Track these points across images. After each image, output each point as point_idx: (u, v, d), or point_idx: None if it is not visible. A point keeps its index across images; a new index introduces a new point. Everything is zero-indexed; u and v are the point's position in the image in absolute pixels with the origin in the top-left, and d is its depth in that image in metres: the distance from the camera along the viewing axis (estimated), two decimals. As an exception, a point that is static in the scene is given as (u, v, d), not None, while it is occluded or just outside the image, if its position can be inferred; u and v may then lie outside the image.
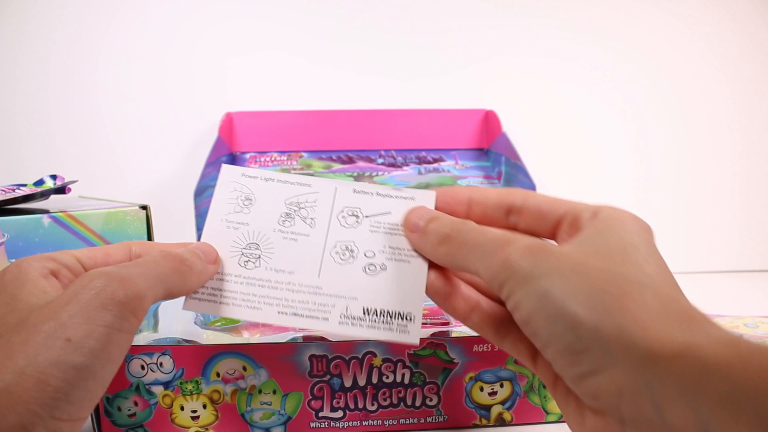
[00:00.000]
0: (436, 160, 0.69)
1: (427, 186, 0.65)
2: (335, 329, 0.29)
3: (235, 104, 0.70)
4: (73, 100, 0.69)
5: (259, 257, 0.30)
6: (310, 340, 0.33)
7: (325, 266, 0.30)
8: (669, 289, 0.23)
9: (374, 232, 0.31)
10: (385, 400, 0.34)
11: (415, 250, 0.30)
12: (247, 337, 0.34)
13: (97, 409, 0.33)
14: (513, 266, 0.24)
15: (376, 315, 0.29)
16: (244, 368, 0.33)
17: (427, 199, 0.32)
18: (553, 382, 0.26)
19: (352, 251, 0.31)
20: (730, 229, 0.74)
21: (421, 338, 0.33)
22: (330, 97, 0.71)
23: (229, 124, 0.68)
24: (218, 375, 0.33)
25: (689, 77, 0.72)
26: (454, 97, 0.72)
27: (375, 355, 0.33)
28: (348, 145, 0.70)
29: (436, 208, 0.31)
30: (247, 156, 0.69)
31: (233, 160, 0.69)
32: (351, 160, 0.69)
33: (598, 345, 0.21)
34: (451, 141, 0.71)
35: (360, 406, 0.34)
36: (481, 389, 0.34)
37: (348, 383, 0.33)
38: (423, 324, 0.34)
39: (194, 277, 0.28)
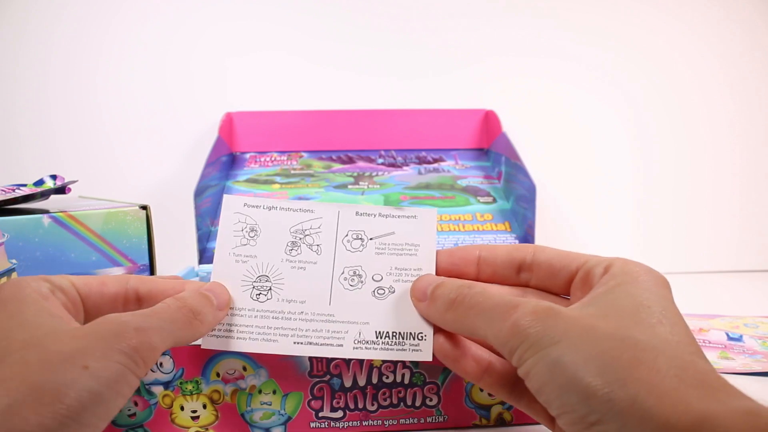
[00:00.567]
0: (436, 160, 0.69)
1: (427, 186, 0.65)
2: (350, 355, 0.30)
3: (235, 104, 0.70)
4: (73, 100, 0.69)
5: (270, 289, 0.31)
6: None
7: (335, 293, 0.31)
8: (684, 351, 0.22)
9: (380, 254, 0.32)
10: (385, 400, 0.34)
11: (424, 318, 0.30)
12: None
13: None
14: (522, 333, 0.23)
15: (389, 337, 0.30)
16: (244, 368, 0.33)
17: (429, 217, 0.32)
18: None
19: (360, 276, 0.31)
20: (730, 229, 0.74)
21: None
22: (330, 97, 0.71)
23: (229, 124, 0.68)
24: (218, 375, 0.33)
25: (689, 77, 0.72)
26: (454, 97, 0.72)
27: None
28: (348, 145, 0.70)
29: (444, 270, 0.31)
30: (247, 156, 0.69)
31: (233, 160, 0.69)
32: (351, 160, 0.69)
33: (611, 417, 0.20)
34: (451, 141, 0.71)
35: (360, 406, 0.34)
36: (481, 389, 0.34)
37: (348, 383, 0.33)
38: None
39: (204, 329, 0.29)
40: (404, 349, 0.29)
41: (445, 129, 0.71)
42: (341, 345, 0.30)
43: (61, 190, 0.41)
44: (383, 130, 0.70)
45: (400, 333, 0.30)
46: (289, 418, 0.33)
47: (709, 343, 0.47)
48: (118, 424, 0.33)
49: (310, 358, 0.33)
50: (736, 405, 0.20)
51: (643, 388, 0.20)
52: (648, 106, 0.73)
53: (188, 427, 0.33)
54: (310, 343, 0.30)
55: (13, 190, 0.40)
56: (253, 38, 0.70)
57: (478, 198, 0.63)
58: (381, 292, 0.31)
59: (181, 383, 0.33)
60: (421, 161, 0.69)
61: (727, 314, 0.55)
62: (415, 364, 0.34)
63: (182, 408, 0.33)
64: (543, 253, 0.29)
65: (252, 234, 0.32)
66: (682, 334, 0.23)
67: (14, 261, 0.35)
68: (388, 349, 0.30)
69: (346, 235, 0.32)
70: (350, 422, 0.34)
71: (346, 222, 0.32)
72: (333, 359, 0.33)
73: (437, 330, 0.29)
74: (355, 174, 0.67)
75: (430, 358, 0.29)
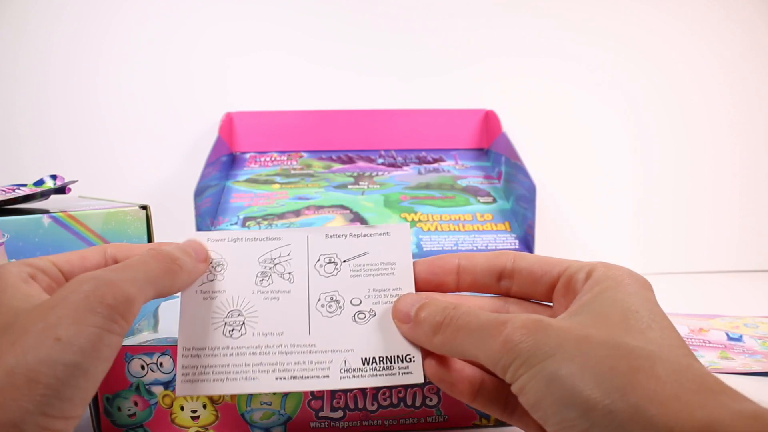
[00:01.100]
0: (436, 160, 0.69)
1: (427, 186, 0.65)
2: (337, 385, 0.28)
3: (235, 104, 0.70)
4: (73, 100, 0.69)
5: (243, 323, 0.29)
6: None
7: (314, 322, 0.29)
8: (678, 355, 0.22)
9: (356, 277, 0.30)
10: (385, 400, 0.34)
11: (409, 341, 0.29)
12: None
13: (97, 409, 0.33)
14: (514, 349, 0.23)
15: (376, 363, 0.28)
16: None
17: (402, 233, 0.31)
18: None
19: (338, 302, 0.30)
20: (730, 229, 0.74)
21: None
22: (330, 97, 0.71)
23: (229, 124, 0.68)
24: (218, 375, 0.33)
25: (689, 77, 0.72)
26: (454, 97, 0.72)
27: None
28: (348, 145, 0.70)
29: (423, 281, 0.30)
30: (247, 156, 0.69)
31: (233, 159, 0.69)
32: (351, 160, 0.69)
33: (613, 429, 0.20)
34: (451, 141, 0.71)
35: (360, 406, 0.34)
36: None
37: (348, 383, 0.33)
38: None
39: (185, 276, 0.28)
40: (394, 373, 0.28)
41: (445, 129, 0.71)
42: (327, 376, 0.28)
43: (61, 190, 0.41)
44: (383, 130, 0.70)
45: (387, 357, 0.28)
46: (289, 418, 0.33)
47: (709, 343, 0.47)
48: (118, 424, 0.33)
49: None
50: (740, 409, 0.19)
51: (644, 397, 0.20)
52: (648, 106, 0.73)
53: (188, 427, 0.33)
54: (294, 377, 0.28)
55: (13, 190, 0.40)
56: (253, 38, 0.70)
57: (478, 198, 0.63)
58: (361, 316, 0.29)
59: (181, 383, 0.33)
60: (421, 161, 0.69)
61: (727, 314, 0.55)
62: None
63: (182, 408, 0.33)
64: (523, 260, 0.29)
65: (218, 269, 0.30)
66: (673, 337, 0.23)
67: (14, 261, 0.35)
68: (377, 375, 0.28)
69: (318, 260, 0.31)
70: (350, 422, 0.34)
71: (317, 246, 0.31)
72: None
73: (426, 354, 0.28)
74: (355, 174, 0.67)
75: (421, 380, 0.28)
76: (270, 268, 0.30)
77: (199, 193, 0.55)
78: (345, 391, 0.33)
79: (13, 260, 0.27)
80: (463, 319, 0.26)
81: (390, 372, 0.28)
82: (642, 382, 0.20)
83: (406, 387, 0.33)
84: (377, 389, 0.33)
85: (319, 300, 0.30)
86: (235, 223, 0.58)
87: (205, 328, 0.29)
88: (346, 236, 0.31)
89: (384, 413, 0.34)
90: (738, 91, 0.73)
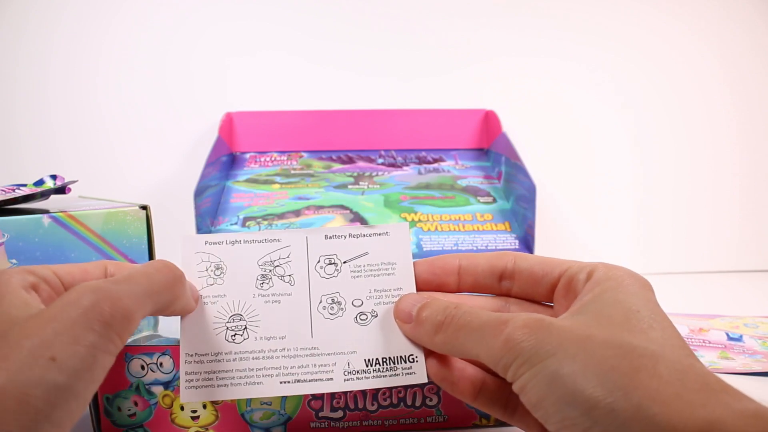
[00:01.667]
0: (436, 160, 0.69)
1: (427, 186, 0.65)
2: (341, 387, 0.28)
3: (235, 104, 0.70)
4: (73, 100, 0.69)
5: (246, 328, 0.29)
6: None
7: (316, 324, 0.29)
8: (680, 354, 0.22)
9: (356, 278, 0.30)
10: (385, 400, 0.34)
11: (411, 341, 0.29)
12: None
13: (97, 409, 0.33)
14: (516, 347, 0.23)
15: (379, 364, 0.29)
16: (244, 368, 0.33)
17: (401, 232, 0.31)
18: None
19: (339, 303, 0.30)
20: (730, 229, 0.74)
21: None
22: (330, 97, 0.71)
23: (229, 124, 0.68)
24: (218, 375, 0.33)
25: (689, 77, 0.72)
26: (454, 97, 0.72)
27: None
28: (348, 145, 0.70)
29: (424, 281, 0.30)
30: (247, 156, 0.69)
31: (233, 160, 0.69)
32: (351, 160, 0.69)
33: (615, 428, 0.20)
34: (451, 141, 0.71)
35: (360, 406, 0.34)
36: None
37: (348, 383, 0.33)
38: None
39: (184, 298, 0.28)
40: (397, 374, 0.28)
41: (445, 129, 0.71)
42: (331, 378, 0.28)
43: (61, 190, 0.41)
44: (383, 130, 0.70)
45: (390, 358, 0.29)
46: (289, 418, 0.33)
47: (709, 343, 0.47)
48: (118, 424, 0.33)
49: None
50: (742, 408, 0.19)
51: (647, 396, 0.20)
52: (648, 106, 0.73)
53: (188, 427, 0.33)
54: (298, 381, 0.28)
55: (13, 190, 0.40)
56: (253, 38, 0.70)
57: (478, 198, 0.63)
58: (363, 317, 0.30)
59: (181, 383, 0.33)
60: (421, 161, 0.69)
61: (727, 314, 0.55)
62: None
63: (182, 408, 0.33)
64: (524, 261, 0.29)
65: (218, 272, 0.30)
66: (674, 337, 0.23)
67: (14, 261, 0.35)
68: (380, 376, 0.28)
69: (318, 261, 0.31)
70: (350, 422, 0.34)
71: (316, 247, 0.31)
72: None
73: (428, 353, 0.28)
74: (355, 174, 0.67)
75: (425, 380, 0.28)
76: (270, 271, 0.30)
77: (199, 193, 0.55)
78: (347, 392, 0.33)
79: (14, 265, 0.26)
80: (464, 318, 0.26)
81: (393, 373, 0.28)
82: (644, 381, 0.20)
83: (408, 387, 0.33)
84: (378, 389, 0.33)
85: (320, 302, 0.30)
86: (235, 223, 0.58)
87: (207, 333, 0.29)
88: (345, 237, 0.31)
89: (384, 413, 0.34)
90: (738, 91, 0.73)
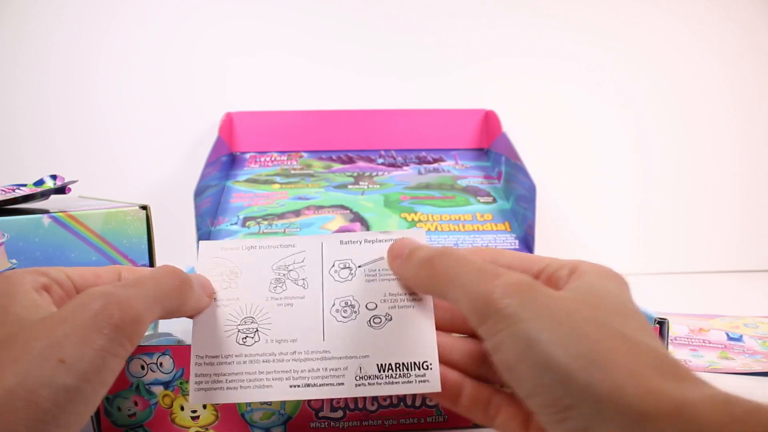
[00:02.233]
0: (436, 160, 0.69)
1: (427, 186, 0.65)
2: (352, 393, 0.28)
3: (235, 104, 0.70)
4: (73, 100, 0.69)
5: (257, 330, 0.29)
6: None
7: (328, 327, 0.29)
8: (657, 345, 0.22)
9: (371, 282, 0.30)
10: (385, 400, 0.34)
11: (397, 277, 0.29)
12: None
13: (97, 409, 0.33)
14: (498, 302, 0.22)
15: (392, 370, 0.28)
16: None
17: (418, 237, 0.31)
18: None
19: (353, 306, 0.29)
20: (730, 229, 0.74)
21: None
22: (330, 97, 0.71)
23: (229, 124, 0.68)
24: (218, 375, 0.33)
25: (689, 77, 0.72)
26: (454, 97, 0.72)
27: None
28: (348, 145, 0.70)
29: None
30: (247, 156, 0.69)
31: (233, 160, 0.69)
32: (351, 160, 0.69)
33: (588, 401, 0.20)
34: (451, 141, 0.71)
35: (360, 406, 0.34)
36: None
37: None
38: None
39: (193, 301, 0.28)
40: (410, 381, 0.28)
41: (445, 129, 0.71)
42: (342, 383, 0.28)
43: (61, 190, 0.41)
44: (383, 130, 0.70)
45: (403, 364, 0.28)
46: (289, 418, 0.33)
47: (709, 343, 0.47)
48: (118, 424, 0.33)
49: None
50: (712, 394, 0.20)
51: (621, 374, 0.20)
52: (648, 107, 0.73)
53: (188, 427, 0.33)
54: (308, 385, 0.28)
55: (13, 190, 0.40)
56: (253, 38, 0.70)
57: (478, 198, 0.63)
58: (377, 321, 0.29)
59: (181, 383, 0.33)
60: (421, 161, 0.69)
61: (727, 314, 0.55)
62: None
63: (182, 408, 0.33)
64: (502, 257, 0.28)
65: (232, 277, 0.30)
66: (650, 330, 0.24)
67: (14, 261, 0.35)
68: (393, 383, 0.28)
69: (333, 266, 0.30)
70: (350, 422, 0.34)
71: (331, 252, 0.31)
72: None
73: None
74: (355, 174, 0.67)
75: (438, 389, 0.27)
76: (284, 275, 0.30)
77: (199, 193, 0.55)
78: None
79: (15, 266, 0.26)
80: (454, 259, 0.26)
81: (407, 380, 0.28)
82: (622, 360, 0.20)
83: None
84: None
85: (333, 305, 0.30)
86: (235, 223, 0.58)
87: (219, 335, 0.29)
88: (360, 242, 0.31)
89: (384, 413, 0.34)
90: (738, 91, 0.73)
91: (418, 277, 0.27)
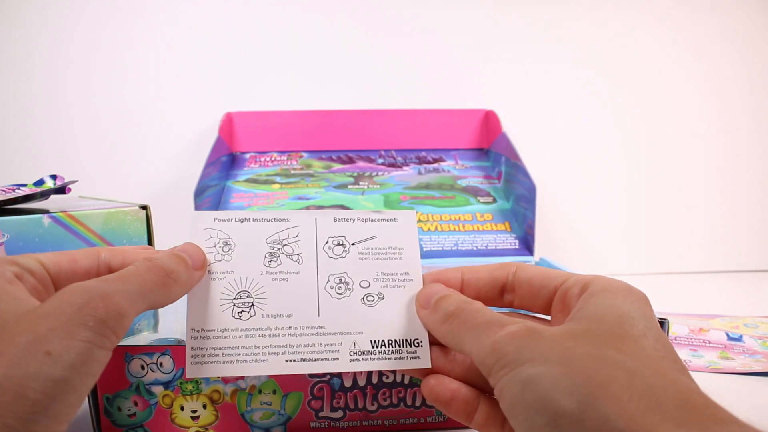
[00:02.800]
0: (436, 160, 0.69)
1: (427, 186, 0.65)
2: (347, 368, 0.28)
3: (235, 104, 0.70)
4: (73, 100, 0.69)
5: (252, 305, 0.29)
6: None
7: (323, 303, 0.29)
8: (667, 368, 0.21)
9: (364, 260, 0.31)
10: (385, 400, 0.34)
11: (422, 324, 0.29)
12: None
13: (97, 409, 0.33)
14: (500, 351, 0.23)
15: (385, 346, 0.29)
16: (244, 368, 0.33)
17: (409, 219, 0.31)
18: None
19: (347, 283, 0.30)
20: (730, 229, 0.74)
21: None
22: (330, 97, 0.71)
23: (229, 124, 0.68)
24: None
25: (689, 78, 0.72)
26: (454, 97, 0.72)
27: (375, 355, 0.33)
28: (348, 145, 0.70)
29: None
30: (247, 156, 0.69)
31: (233, 160, 0.69)
32: (351, 160, 0.69)
33: None
34: (451, 141, 0.71)
35: (360, 406, 0.34)
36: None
37: (348, 383, 0.33)
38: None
39: (179, 289, 0.27)
40: (402, 357, 0.29)
41: (445, 129, 0.71)
42: (337, 358, 0.28)
43: (61, 190, 0.41)
44: (383, 130, 0.70)
45: (395, 340, 0.29)
46: (289, 418, 0.33)
47: (709, 343, 0.47)
48: (118, 424, 0.33)
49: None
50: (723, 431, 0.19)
51: (614, 409, 0.19)
52: (647, 107, 0.73)
53: (188, 427, 0.33)
54: (304, 360, 0.28)
55: (13, 190, 0.40)
56: (253, 38, 0.70)
57: (478, 198, 0.63)
58: (370, 299, 0.30)
59: (181, 383, 0.33)
60: (421, 161, 0.69)
61: (727, 314, 0.55)
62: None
63: (182, 408, 0.33)
64: (524, 273, 0.28)
65: (226, 249, 0.30)
66: (667, 349, 0.23)
67: None
68: (385, 359, 0.29)
69: (327, 242, 0.31)
70: (350, 422, 0.34)
71: (325, 228, 0.31)
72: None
73: (424, 373, 0.29)
74: (355, 174, 0.67)
75: (429, 365, 0.28)
76: (278, 249, 0.30)
77: (199, 193, 0.55)
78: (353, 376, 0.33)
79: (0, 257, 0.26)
80: (471, 313, 0.26)
81: (399, 356, 0.29)
82: (615, 394, 0.20)
83: (411, 373, 0.33)
84: (377, 387, 0.33)
85: (328, 281, 0.30)
86: (235, 223, 0.58)
87: (214, 309, 0.29)
88: (354, 220, 0.32)
89: (384, 413, 0.34)
90: (738, 92, 0.73)
91: (441, 330, 0.27)
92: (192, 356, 0.28)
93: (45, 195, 0.41)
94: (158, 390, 0.33)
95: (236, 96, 0.71)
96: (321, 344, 0.29)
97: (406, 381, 0.34)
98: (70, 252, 0.27)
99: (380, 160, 0.69)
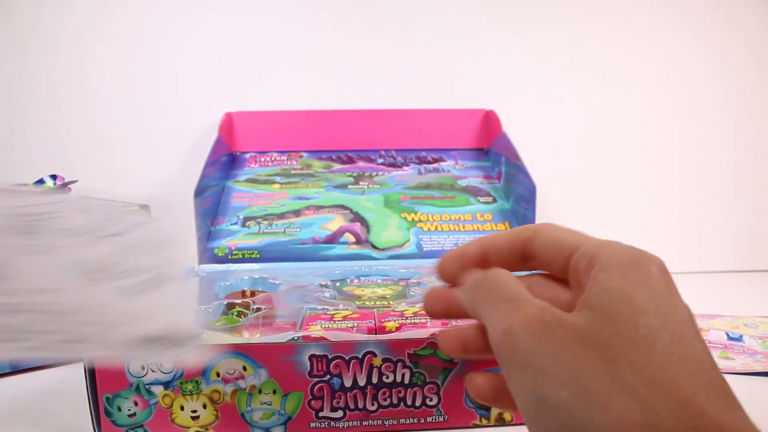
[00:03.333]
0: (436, 160, 0.69)
1: (427, 186, 0.65)
2: (116, 354, 0.26)
3: (235, 104, 0.70)
4: (73, 100, 0.69)
5: None
6: (309, 340, 0.33)
7: (82, 290, 0.27)
8: (682, 383, 0.20)
9: (124, 250, 0.29)
10: (385, 400, 0.34)
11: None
12: (247, 337, 0.34)
13: (97, 409, 0.33)
14: (511, 344, 0.23)
15: (153, 337, 0.26)
16: (244, 368, 0.33)
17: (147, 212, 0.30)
18: None
19: (105, 269, 0.28)
20: (730, 229, 0.74)
21: (420, 338, 0.33)
22: (330, 97, 0.71)
23: (229, 124, 0.68)
24: (218, 375, 0.33)
25: (689, 77, 0.72)
26: (454, 97, 0.72)
27: (375, 355, 0.33)
28: (348, 145, 0.70)
29: (453, 275, 0.29)
30: (247, 156, 0.69)
31: (233, 159, 0.69)
32: (351, 160, 0.69)
33: None
34: (451, 141, 0.71)
35: (360, 406, 0.34)
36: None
37: (348, 383, 0.33)
38: (423, 323, 0.34)
39: None
40: (173, 347, 0.26)
41: (445, 129, 0.71)
42: (105, 347, 0.26)
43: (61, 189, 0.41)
44: (383, 130, 0.70)
45: (165, 330, 0.27)
46: (289, 418, 0.33)
47: (709, 343, 0.47)
48: (118, 424, 0.33)
49: (310, 357, 0.33)
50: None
51: (614, 415, 0.20)
52: (648, 106, 0.73)
53: (188, 427, 0.33)
54: (67, 342, 0.25)
55: (13, 190, 0.40)
56: (253, 38, 0.70)
57: (478, 198, 0.63)
58: (133, 289, 0.27)
59: (181, 383, 0.33)
60: (421, 161, 0.69)
61: (727, 314, 0.55)
62: (415, 363, 0.33)
63: (182, 408, 0.33)
64: (539, 240, 0.28)
65: None
66: (682, 347, 0.21)
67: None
68: (155, 348, 0.26)
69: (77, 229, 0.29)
70: (350, 422, 0.34)
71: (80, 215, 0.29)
72: (333, 359, 0.33)
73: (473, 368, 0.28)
74: (355, 174, 0.67)
75: (195, 355, 0.27)
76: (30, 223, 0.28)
77: (199, 193, 0.55)
78: (357, 361, 0.33)
79: None
80: (492, 284, 0.25)
81: (168, 347, 0.26)
82: (614, 397, 0.20)
83: (414, 364, 0.33)
84: (377, 387, 0.33)
85: (85, 268, 0.28)
86: (235, 223, 0.58)
87: None
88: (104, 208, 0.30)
89: (384, 413, 0.34)
90: (738, 92, 0.73)
91: (464, 297, 0.27)
92: None
93: (45, 195, 0.41)
94: (158, 390, 0.33)
95: (236, 96, 0.71)
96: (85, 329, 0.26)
97: (406, 381, 0.34)
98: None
99: (380, 160, 0.69)
